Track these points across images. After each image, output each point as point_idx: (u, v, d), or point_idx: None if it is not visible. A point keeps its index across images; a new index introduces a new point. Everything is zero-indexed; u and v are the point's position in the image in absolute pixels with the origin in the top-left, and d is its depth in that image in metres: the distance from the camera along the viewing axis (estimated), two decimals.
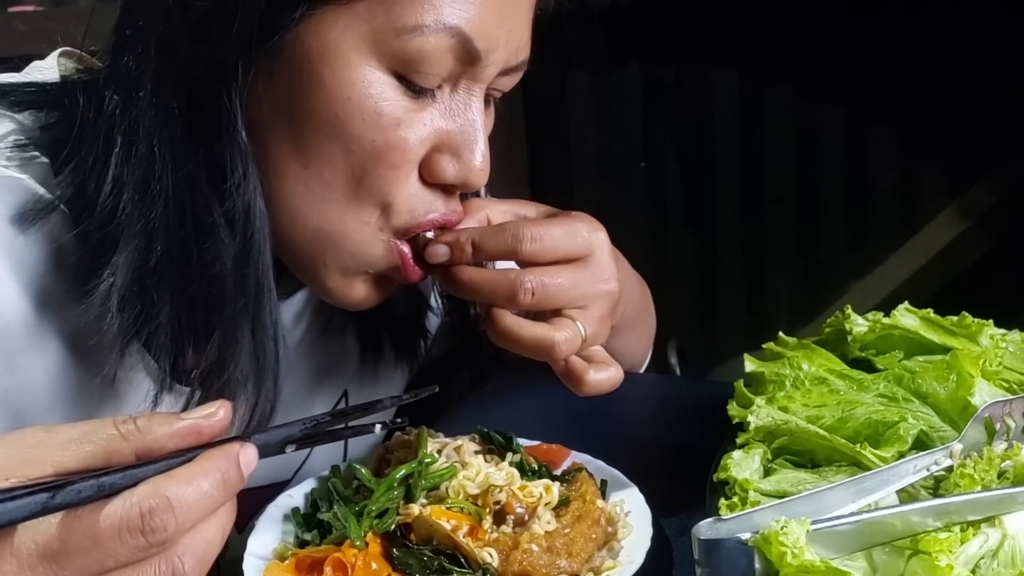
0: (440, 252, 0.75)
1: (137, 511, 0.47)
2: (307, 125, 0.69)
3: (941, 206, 2.52)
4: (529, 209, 0.82)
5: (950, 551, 0.59)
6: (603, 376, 0.78)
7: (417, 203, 0.73)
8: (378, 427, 0.65)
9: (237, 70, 0.68)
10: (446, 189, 0.74)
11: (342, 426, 0.62)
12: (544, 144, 2.74)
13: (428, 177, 0.73)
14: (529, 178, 2.64)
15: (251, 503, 0.90)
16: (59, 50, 0.80)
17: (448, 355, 1.10)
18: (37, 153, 0.75)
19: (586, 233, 0.78)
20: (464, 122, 0.73)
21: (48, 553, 0.47)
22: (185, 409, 0.66)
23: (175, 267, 0.70)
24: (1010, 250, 2.41)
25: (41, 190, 0.73)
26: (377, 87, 0.69)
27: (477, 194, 0.84)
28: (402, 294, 0.91)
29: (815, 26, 2.44)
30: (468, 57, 0.70)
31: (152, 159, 0.69)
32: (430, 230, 0.74)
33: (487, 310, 0.77)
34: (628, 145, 2.75)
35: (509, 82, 0.77)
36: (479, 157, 0.73)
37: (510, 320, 0.76)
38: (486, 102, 0.76)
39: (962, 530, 0.61)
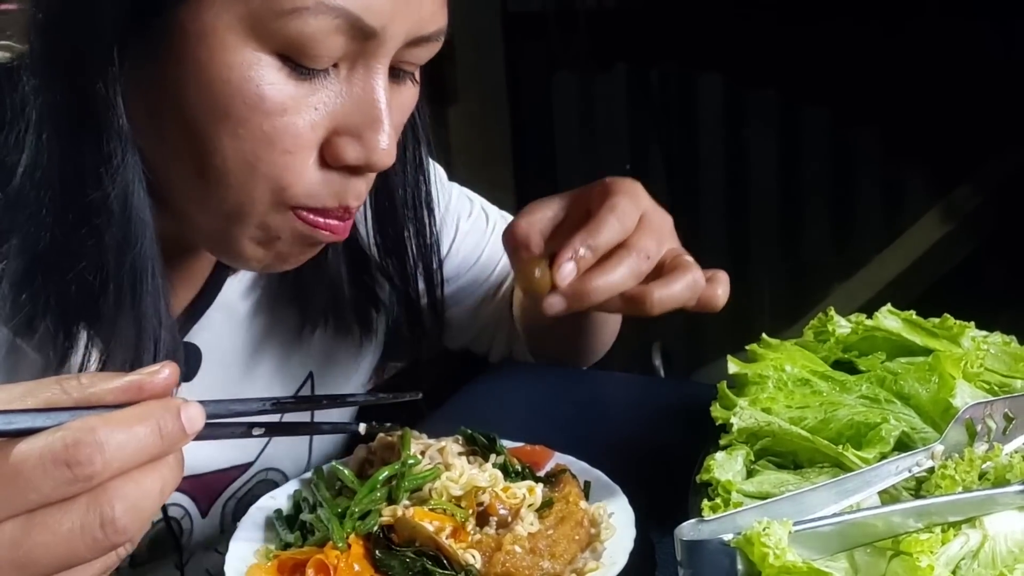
0: (568, 271, 0.76)
1: (62, 443, 0.45)
2: (194, 111, 0.67)
3: (925, 208, 2.53)
4: (554, 203, 0.85)
5: (931, 552, 0.59)
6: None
7: (316, 189, 0.71)
8: (362, 427, 0.64)
9: (112, 54, 0.66)
10: (351, 170, 0.71)
11: (319, 420, 0.62)
12: (529, 145, 2.75)
13: (330, 160, 0.70)
14: (514, 179, 2.64)
15: (214, 485, 0.90)
16: None
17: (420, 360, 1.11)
18: None
19: (633, 202, 0.82)
20: (364, 102, 0.69)
21: None
22: None
23: (62, 253, 0.70)
24: (993, 252, 2.43)
25: None
26: (257, 70, 0.66)
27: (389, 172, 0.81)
28: (343, 262, 0.90)
29: (800, 29, 2.45)
30: (360, 34, 0.67)
31: (40, 145, 0.68)
32: (333, 218, 0.73)
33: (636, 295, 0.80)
34: (613, 146, 2.76)
35: (424, 54, 0.73)
36: (383, 138, 0.70)
37: (659, 292, 0.81)
38: (401, 77, 0.74)
39: (943, 531, 0.61)
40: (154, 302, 0.72)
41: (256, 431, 0.57)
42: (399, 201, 0.89)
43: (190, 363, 0.85)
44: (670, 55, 2.61)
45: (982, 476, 0.69)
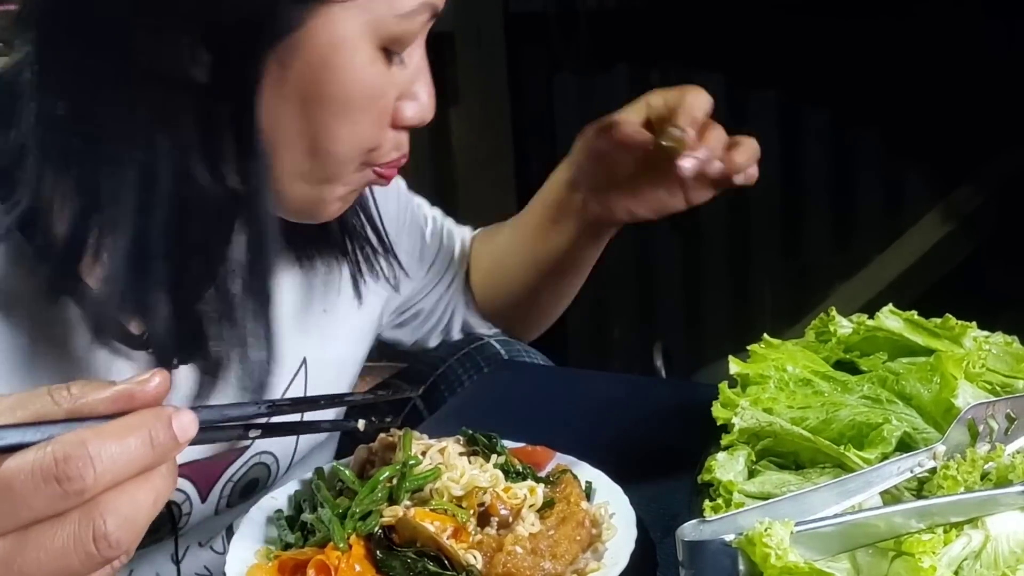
0: (717, 136, 1.01)
1: (51, 458, 0.45)
2: (320, 108, 0.75)
3: (925, 209, 2.53)
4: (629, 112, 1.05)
5: (933, 552, 0.59)
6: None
7: (390, 147, 0.82)
8: (360, 423, 0.64)
9: (258, 76, 0.73)
10: (405, 127, 0.82)
11: (318, 419, 0.62)
12: (531, 146, 2.75)
13: (396, 123, 0.81)
14: (515, 180, 2.64)
15: (212, 470, 0.92)
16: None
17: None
18: None
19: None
20: (417, 69, 0.80)
21: None
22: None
23: (178, 262, 0.76)
24: (994, 253, 2.43)
25: None
26: (375, 65, 0.76)
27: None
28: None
29: (801, 29, 2.45)
30: (432, 18, 0.78)
31: (133, 163, 0.72)
32: (394, 167, 0.84)
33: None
34: None
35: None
36: (429, 96, 0.82)
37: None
38: None
39: (945, 531, 0.61)
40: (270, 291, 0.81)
41: (252, 433, 0.57)
42: None
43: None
44: (671, 56, 2.61)
45: (984, 476, 0.68)
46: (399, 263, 1.03)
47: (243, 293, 0.80)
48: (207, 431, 0.52)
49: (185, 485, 0.91)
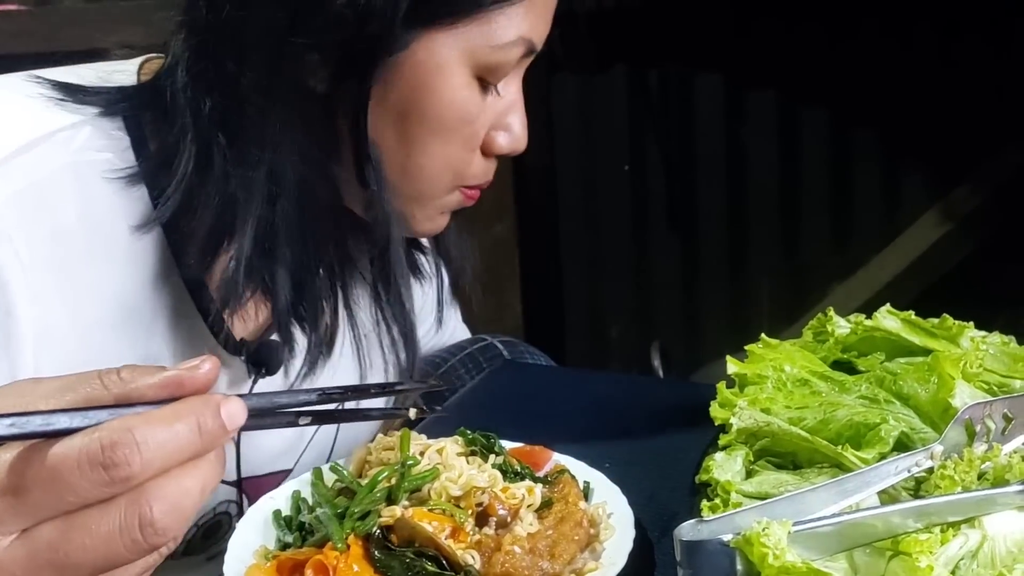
0: None
1: (98, 444, 0.45)
2: (416, 125, 0.81)
3: (923, 209, 2.53)
4: None
5: (930, 552, 0.59)
6: None
7: (480, 171, 0.87)
8: (412, 411, 0.64)
9: (368, 90, 0.78)
10: (496, 156, 0.88)
11: (367, 406, 0.63)
12: (529, 146, 2.75)
13: (487, 151, 0.87)
14: (514, 180, 2.64)
15: (265, 488, 0.93)
16: (142, 57, 0.87)
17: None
18: (128, 150, 0.82)
19: None
20: (512, 102, 0.86)
21: (5, 486, 0.45)
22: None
23: (296, 261, 0.82)
24: (991, 253, 2.43)
25: (146, 200, 0.81)
26: (470, 90, 0.81)
27: None
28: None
29: (799, 30, 2.45)
30: (527, 54, 0.83)
31: (263, 165, 0.78)
32: (478, 189, 0.90)
33: None
34: (613, 147, 2.75)
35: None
36: (522, 128, 0.87)
37: None
38: None
39: (942, 531, 0.61)
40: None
41: (303, 420, 0.56)
42: None
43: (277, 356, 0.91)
44: (669, 56, 2.61)
45: (981, 476, 0.69)
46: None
47: (376, 296, 0.90)
48: (256, 417, 0.52)
49: (236, 497, 0.93)
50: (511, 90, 0.86)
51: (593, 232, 2.82)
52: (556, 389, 1.09)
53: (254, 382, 0.88)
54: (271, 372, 0.89)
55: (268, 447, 0.94)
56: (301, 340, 0.88)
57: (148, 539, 0.46)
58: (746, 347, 0.88)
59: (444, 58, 0.79)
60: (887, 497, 0.69)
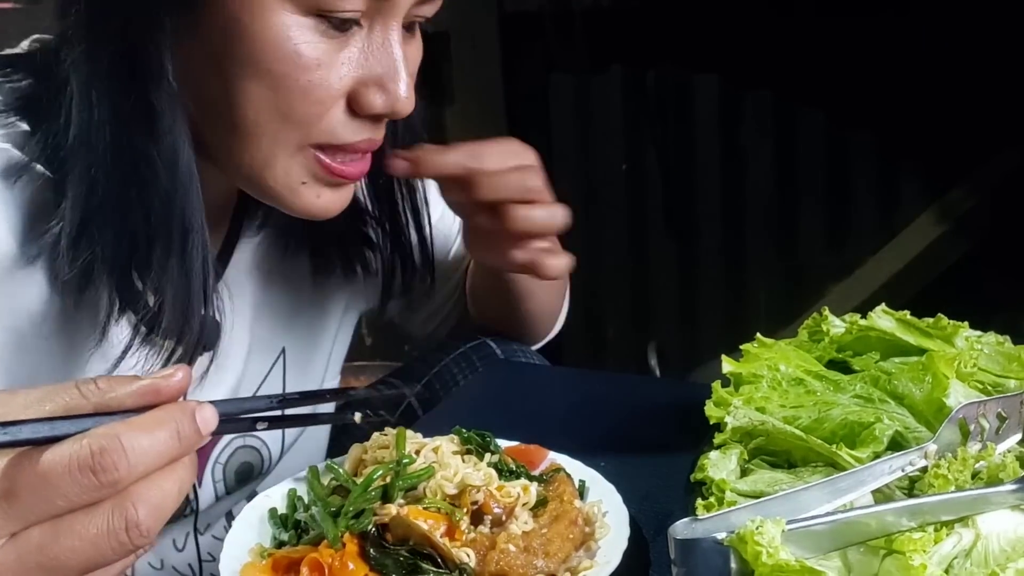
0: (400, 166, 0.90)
1: (88, 450, 0.47)
2: (233, 69, 0.74)
3: (919, 210, 2.53)
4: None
5: (924, 551, 0.59)
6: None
7: (340, 130, 0.79)
8: (357, 416, 0.66)
9: (165, 24, 0.73)
10: (374, 118, 0.80)
11: (320, 410, 0.64)
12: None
13: (357, 109, 0.79)
14: None
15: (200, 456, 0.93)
16: (31, 37, 0.86)
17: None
18: (15, 119, 0.80)
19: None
20: (385, 56, 0.78)
21: None
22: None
23: (115, 209, 0.75)
24: (988, 254, 2.43)
25: (18, 153, 0.78)
26: (295, 30, 0.74)
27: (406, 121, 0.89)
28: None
29: (795, 30, 2.45)
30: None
31: (90, 108, 0.74)
32: (356, 153, 0.81)
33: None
34: (609, 147, 2.76)
35: (430, 9, 0.81)
36: (403, 87, 0.79)
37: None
38: (409, 30, 0.81)
39: (936, 530, 0.61)
40: (202, 252, 0.79)
41: (260, 425, 0.59)
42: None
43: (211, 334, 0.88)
44: (666, 56, 2.61)
45: (975, 475, 0.69)
46: (432, 279, 1.06)
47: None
48: (222, 423, 0.54)
49: None
50: (389, 42, 0.78)
51: (590, 231, 2.82)
52: (551, 388, 1.09)
53: (190, 361, 0.84)
54: (208, 348, 0.86)
55: None
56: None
57: (133, 540, 0.48)
58: (741, 346, 0.88)
59: None
60: (881, 496, 0.69)
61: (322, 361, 1.06)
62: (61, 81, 0.76)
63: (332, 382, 1.09)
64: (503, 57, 2.58)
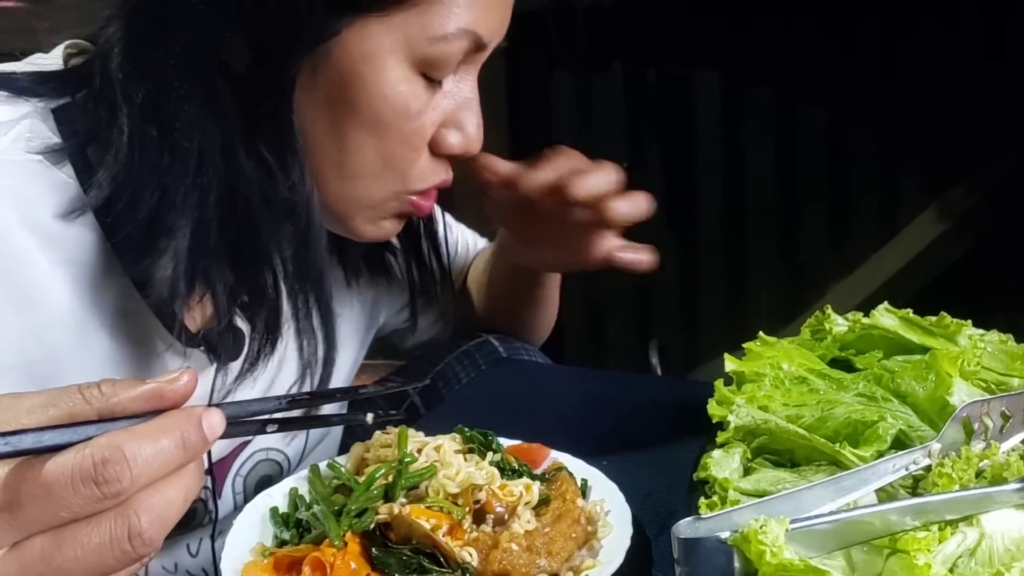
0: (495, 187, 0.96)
1: (90, 461, 0.46)
2: (346, 118, 0.78)
3: (921, 207, 2.53)
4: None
5: (928, 550, 0.59)
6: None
7: (428, 173, 0.84)
8: (369, 416, 0.65)
9: (294, 76, 0.76)
10: (448, 157, 0.85)
11: (330, 412, 0.63)
12: (527, 144, 2.74)
13: (436, 150, 0.83)
14: None
15: (225, 466, 0.95)
16: (66, 42, 0.84)
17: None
18: (58, 141, 0.79)
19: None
20: (463, 99, 0.83)
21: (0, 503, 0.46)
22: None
23: (232, 252, 0.78)
24: (990, 251, 2.43)
25: (75, 186, 0.78)
26: (407, 84, 0.78)
27: None
28: None
29: (797, 28, 2.45)
30: (476, 49, 0.80)
31: (193, 152, 0.75)
32: (432, 197, 0.86)
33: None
34: (611, 145, 2.75)
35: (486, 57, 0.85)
36: (476, 128, 0.84)
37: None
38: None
39: (940, 529, 0.61)
40: (329, 293, 0.85)
41: (270, 428, 0.58)
42: None
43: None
44: (668, 54, 2.61)
45: (979, 474, 0.69)
46: (453, 291, 1.09)
47: (293, 288, 0.83)
48: (231, 426, 0.54)
49: (207, 481, 0.94)
50: (464, 87, 0.83)
51: None
52: (554, 386, 1.09)
53: (217, 370, 0.86)
54: (233, 359, 0.86)
55: None
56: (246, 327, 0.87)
57: (136, 549, 0.47)
58: (744, 345, 0.88)
59: (376, 47, 0.76)
60: (885, 495, 0.69)
61: (345, 371, 1.06)
62: (132, 113, 0.75)
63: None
64: (505, 55, 2.58)
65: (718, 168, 2.69)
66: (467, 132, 0.84)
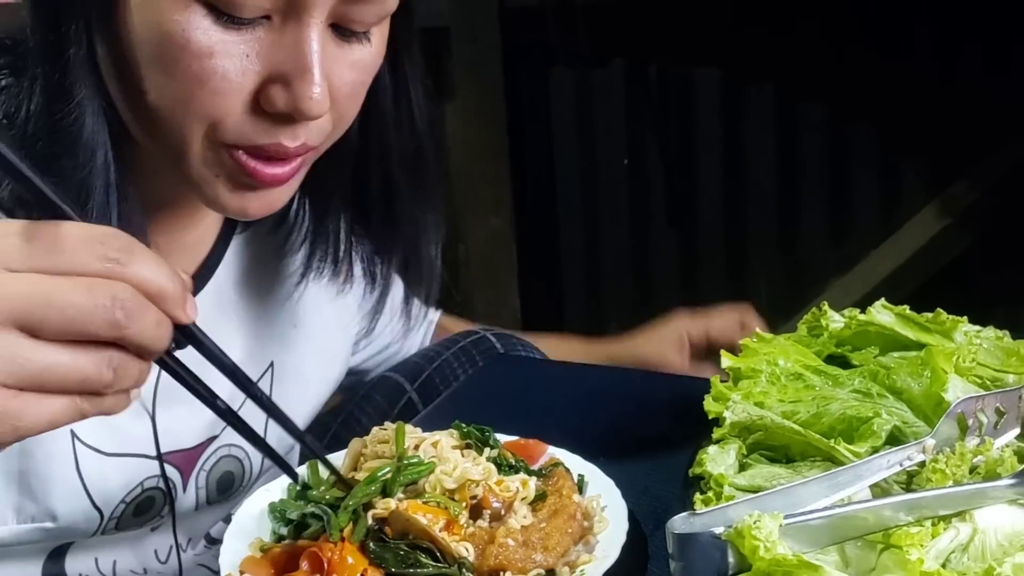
0: None
1: (100, 231, 0.54)
2: (134, 53, 0.75)
3: (921, 204, 2.53)
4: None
5: (921, 545, 0.59)
6: None
7: (247, 128, 0.76)
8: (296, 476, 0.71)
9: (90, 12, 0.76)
10: (284, 118, 0.76)
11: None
12: (527, 140, 2.75)
13: (263, 106, 0.75)
14: (511, 175, 2.64)
15: (192, 458, 0.96)
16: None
17: None
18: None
19: None
20: (295, 52, 0.74)
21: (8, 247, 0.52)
22: None
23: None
24: (989, 248, 2.43)
25: None
26: (185, 15, 0.72)
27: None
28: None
29: (797, 25, 2.45)
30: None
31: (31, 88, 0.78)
32: (269, 158, 0.78)
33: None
34: (611, 141, 2.76)
35: (368, 13, 0.77)
36: (312, 88, 0.74)
37: None
38: (348, 36, 0.78)
39: (933, 524, 0.62)
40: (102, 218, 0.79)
41: (220, 403, 0.62)
42: (393, 160, 0.94)
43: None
44: (667, 50, 2.61)
45: (973, 470, 0.69)
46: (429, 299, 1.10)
47: None
48: (190, 378, 0.61)
49: (172, 473, 0.93)
50: (304, 42, 0.74)
51: (591, 226, 2.82)
52: (551, 382, 1.09)
53: None
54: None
55: (186, 419, 0.93)
56: None
57: (115, 311, 0.52)
58: (740, 341, 0.88)
59: None
60: (879, 490, 0.69)
61: (315, 380, 1.05)
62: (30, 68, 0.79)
63: (320, 403, 1.09)
64: (504, 52, 2.58)
65: (718, 164, 2.70)
66: (296, 89, 0.74)
